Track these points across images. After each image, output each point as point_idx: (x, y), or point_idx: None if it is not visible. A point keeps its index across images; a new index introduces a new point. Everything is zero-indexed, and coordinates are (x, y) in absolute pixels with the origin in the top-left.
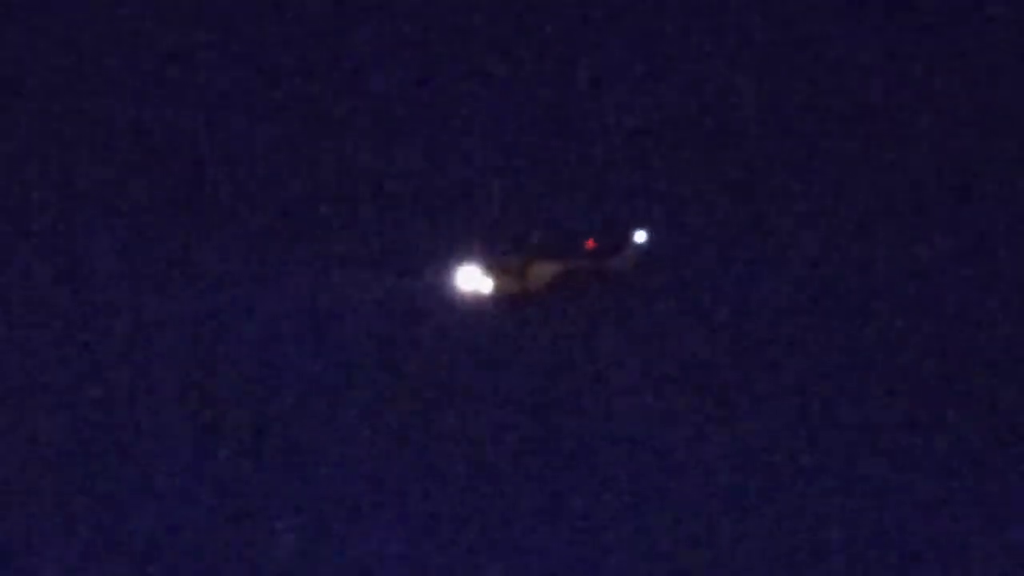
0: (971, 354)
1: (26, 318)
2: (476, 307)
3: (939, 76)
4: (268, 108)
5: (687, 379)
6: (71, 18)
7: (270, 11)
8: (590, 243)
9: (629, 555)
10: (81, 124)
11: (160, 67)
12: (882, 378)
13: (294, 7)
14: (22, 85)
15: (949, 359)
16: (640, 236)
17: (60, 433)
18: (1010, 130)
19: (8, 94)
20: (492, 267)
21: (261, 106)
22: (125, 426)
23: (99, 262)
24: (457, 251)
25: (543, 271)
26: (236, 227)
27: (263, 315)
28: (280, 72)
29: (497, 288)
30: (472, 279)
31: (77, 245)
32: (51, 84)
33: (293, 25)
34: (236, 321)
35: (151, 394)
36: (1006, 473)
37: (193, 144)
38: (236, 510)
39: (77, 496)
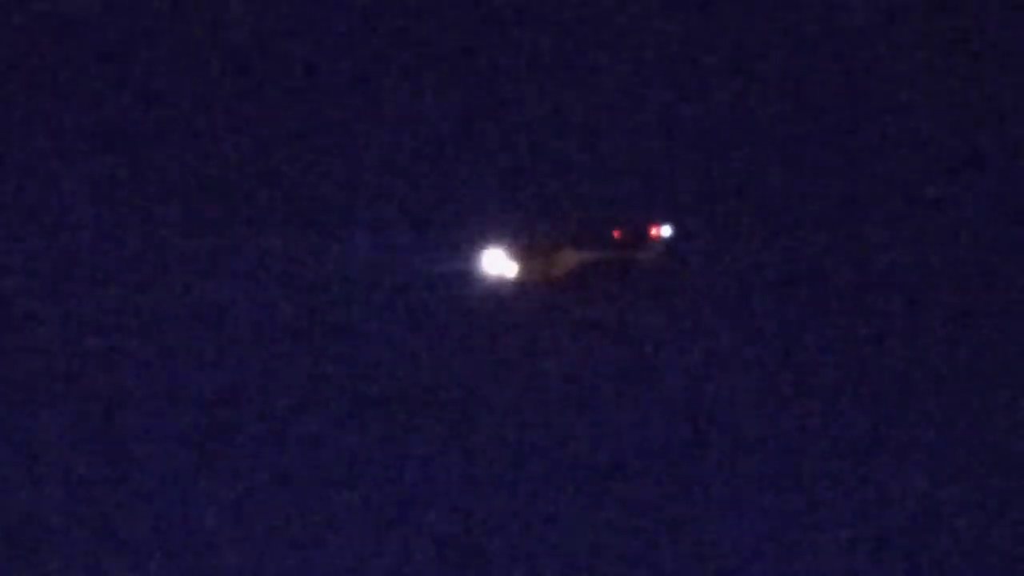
0: None
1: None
2: (500, 290)
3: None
4: (293, 85)
5: (703, 370)
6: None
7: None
8: (617, 233)
9: (642, 537)
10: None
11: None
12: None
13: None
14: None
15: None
16: (665, 230)
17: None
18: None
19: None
20: (518, 252)
21: (287, 84)
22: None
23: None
24: (484, 234)
25: (569, 258)
26: (259, 206)
27: (289, 294)
28: (306, 52)
29: (522, 273)
30: (498, 263)
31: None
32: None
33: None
34: (262, 299)
35: (161, 388)
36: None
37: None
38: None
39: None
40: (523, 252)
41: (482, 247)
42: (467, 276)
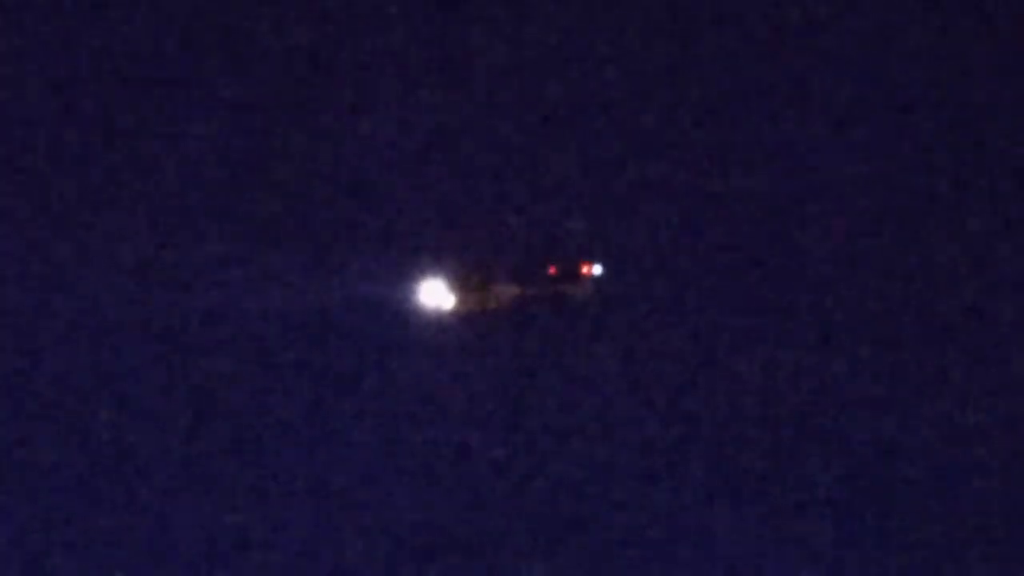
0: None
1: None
2: (437, 320)
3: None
4: (236, 112)
5: (629, 400)
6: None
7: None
8: (551, 269)
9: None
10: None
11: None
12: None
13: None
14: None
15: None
16: (596, 268)
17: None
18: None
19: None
20: (456, 284)
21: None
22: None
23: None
24: (424, 266)
25: (505, 291)
26: (203, 232)
27: (226, 322)
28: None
29: (458, 304)
30: (436, 294)
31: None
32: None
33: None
34: (204, 325)
35: (134, 396)
36: None
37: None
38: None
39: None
40: (461, 284)
41: (421, 278)
42: (404, 306)
